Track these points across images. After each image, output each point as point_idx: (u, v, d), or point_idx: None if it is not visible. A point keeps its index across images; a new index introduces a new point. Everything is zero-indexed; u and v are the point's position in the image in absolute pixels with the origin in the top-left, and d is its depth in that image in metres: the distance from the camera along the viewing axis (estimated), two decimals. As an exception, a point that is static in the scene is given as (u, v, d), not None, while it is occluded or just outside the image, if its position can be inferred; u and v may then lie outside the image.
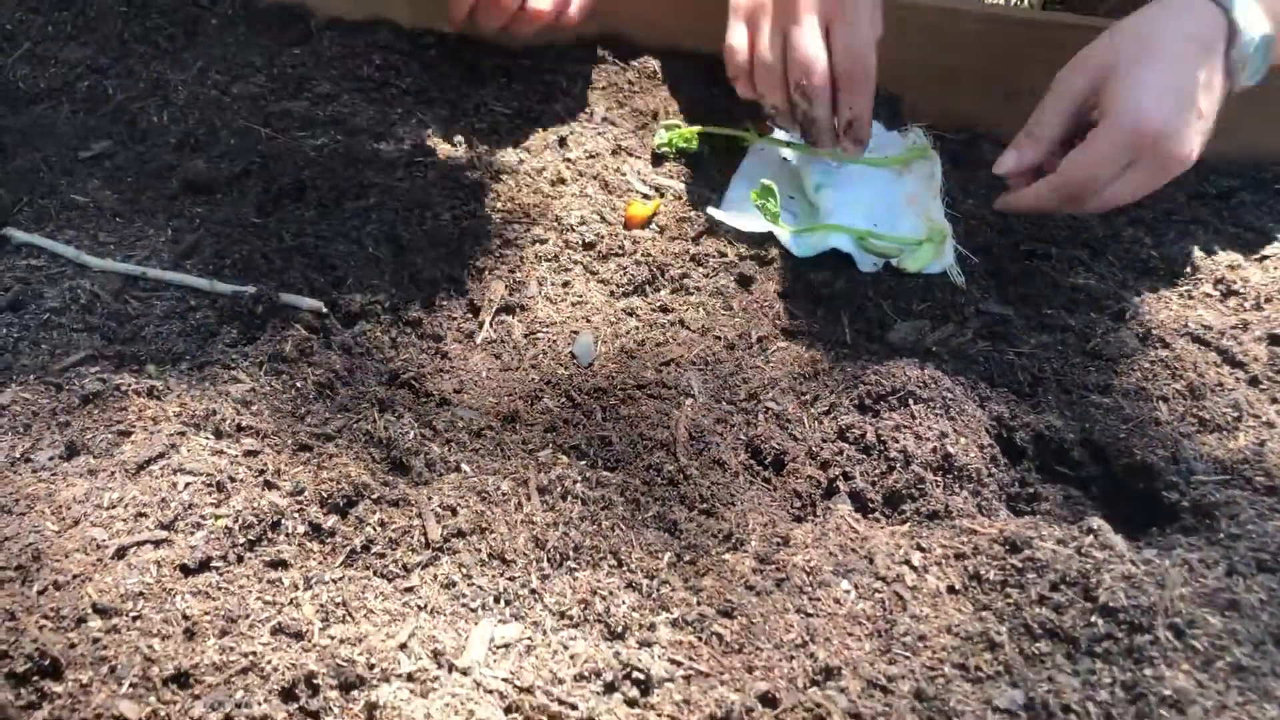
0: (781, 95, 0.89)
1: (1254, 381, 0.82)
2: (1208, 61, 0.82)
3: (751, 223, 0.91)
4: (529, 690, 0.54)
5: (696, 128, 0.99)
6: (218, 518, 0.60)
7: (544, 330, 0.81)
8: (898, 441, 0.71)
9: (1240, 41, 0.82)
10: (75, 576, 0.56)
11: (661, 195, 0.95)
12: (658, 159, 0.98)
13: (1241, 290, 0.89)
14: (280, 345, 0.74)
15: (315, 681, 0.53)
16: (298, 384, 0.72)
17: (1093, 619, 0.60)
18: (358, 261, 0.82)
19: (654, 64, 1.08)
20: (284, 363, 0.73)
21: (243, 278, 0.80)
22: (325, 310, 0.78)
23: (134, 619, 0.54)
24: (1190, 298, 0.89)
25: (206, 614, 0.55)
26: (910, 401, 0.73)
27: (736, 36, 0.92)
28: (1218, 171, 1.04)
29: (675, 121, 1.01)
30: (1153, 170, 0.81)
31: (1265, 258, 0.93)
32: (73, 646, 0.53)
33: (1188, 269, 0.91)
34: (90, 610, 0.55)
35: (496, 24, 0.98)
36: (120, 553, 0.57)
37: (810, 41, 0.85)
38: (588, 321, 0.82)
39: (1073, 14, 1.14)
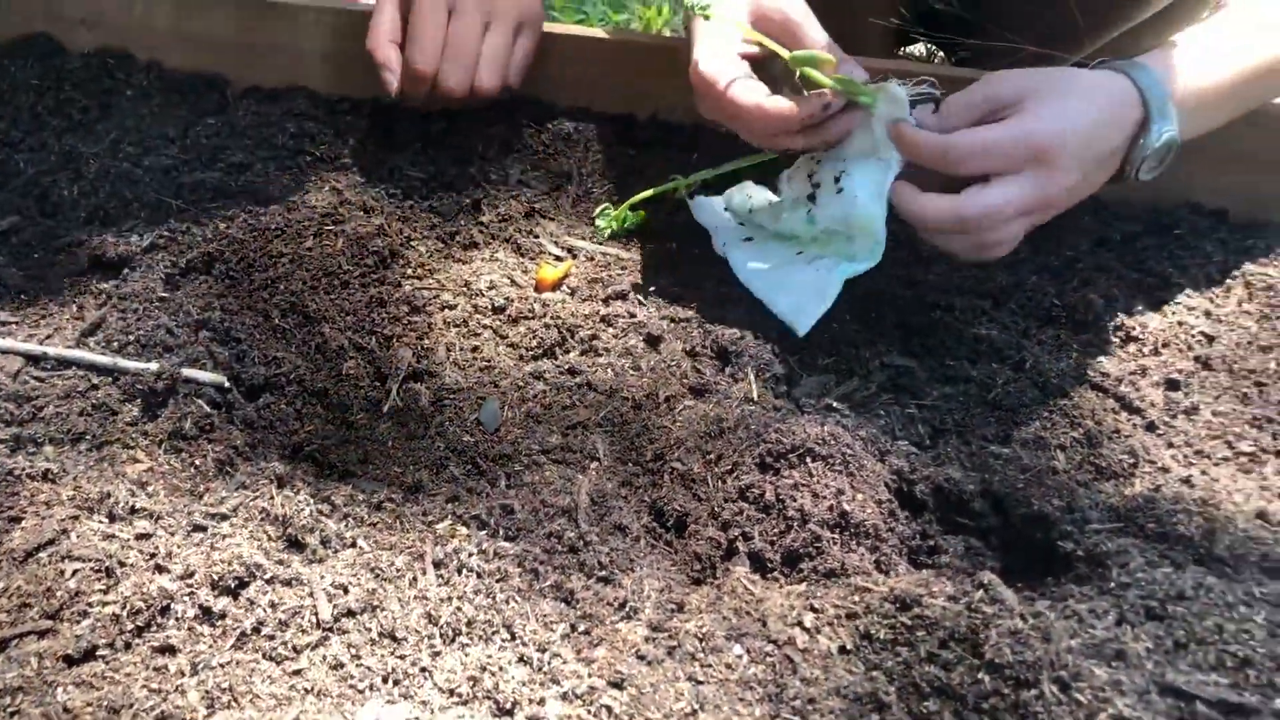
0: None
1: (1150, 427, 0.84)
2: (1118, 130, 0.86)
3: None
4: (416, 770, 0.54)
5: (629, 202, 0.98)
6: (105, 605, 0.59)
7: (451, 397, 0.81)
8: (795, 500, 0.71)
9: (1150, 133, 0.85)
10: (-44, 671, 0.56)
11: (574, 256, 0.96)
12: (583, 228, 1.00)
13: (1140, 336, 0.91)
14: (181, 423, 0.74)
15: (198, 770, 0.53)
16: (197, 462, 0.72)
17: (980, 675, 0.60)
18: (263, 334, 0.83)
19: (568, 125, 1.09)
20: (184, 440, 0.73)
21: (147, 354, 0.80)
22: (228, 385, 0.78)
23: (11, 715, 0.54)
24: (1091, 345, 0.91)
25: (89, 705, 0.55)
26: (809, 459, 0.74)
27: None
28: (1121, 217, 1.07)
29: (606, 206, 1.00)
30: (1035, 183, 0.82)
31: (1164, 302, 0.96)
32: (-50, 744, 0.53)
33: (1089, 316, 0.93)
34: (-31, 706, 0.54)
35: (417, 101, 1.01)
36: (1, 646, 0.56)
37: None
38: (495, 386, 0.83)
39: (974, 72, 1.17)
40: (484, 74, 1.00)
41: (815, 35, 0.90)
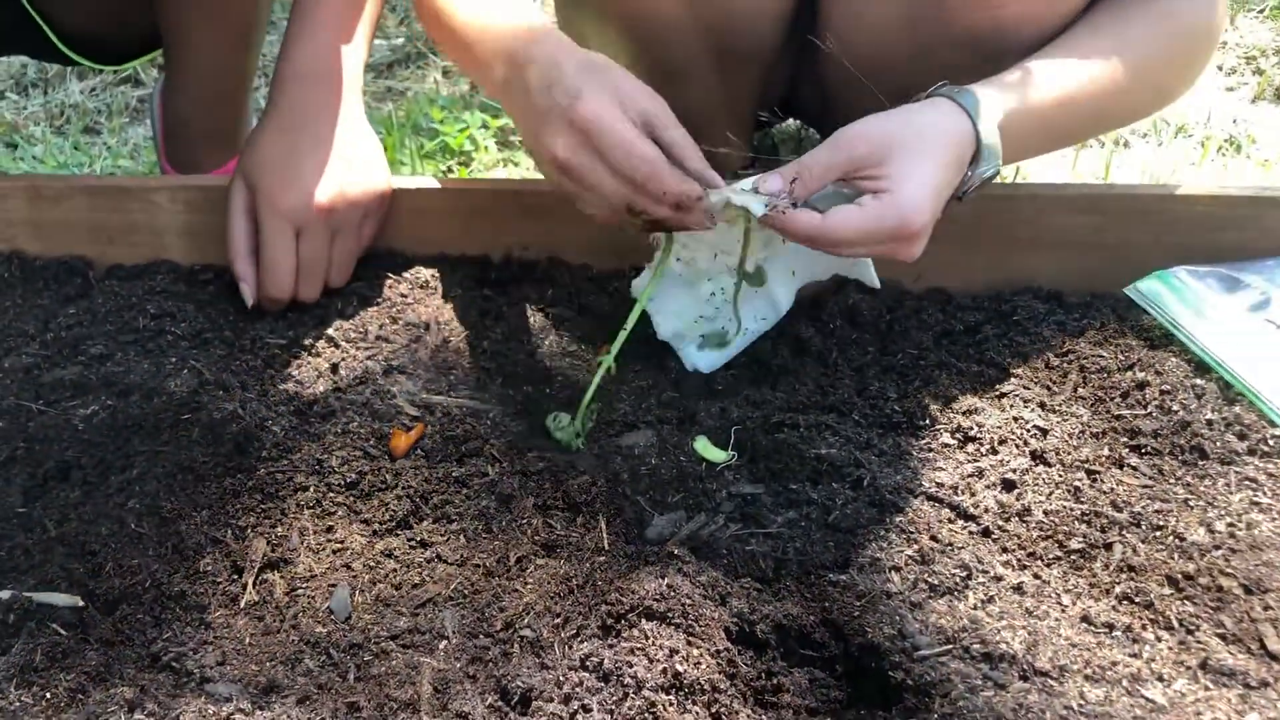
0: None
1: (985, 533, 0.87)
2: (959, 172, 0.92)
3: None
4: None
5: (581, 411, 0.96)
6: None
7: (304, 586, 0.84)
8: (631, 666, 0.74)
9: (980, 167, 0.92)
10: None
11: (431, 413, 0.99)
12: (431, 378, 1.02)
13: (978, 435, 0.95)
14: (31, 655, 0.75)
15: None
16: (48, 694, 0.73)
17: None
18: (119, 542, 0.85)
19: (425, 273, 1.12)
20: (35, 673, 0.75)
21: (1, 579, 0.82)
22: (83, 604, 0.80)
23: None
24: (929, 451, 0.95)
25: None
26: (645, 619, 0.77)
27: None
28: (964, 307, 1.11)
29: (557, 415, 0.97)
30: (893, 253, 0.90)
31: (1003, 395, 0.99)
32: None
33: (927, 420, 0.97)
34: None
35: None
36: None
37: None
38: (348, 569, 0.85)
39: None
40: (335, 278, 1.09)
41: (674, 134, 0.89)
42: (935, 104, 0.93)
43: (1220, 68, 2.02)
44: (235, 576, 0.85)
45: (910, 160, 0.88)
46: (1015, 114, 0.94)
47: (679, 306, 1.04)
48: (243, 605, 0.83)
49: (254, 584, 0.84)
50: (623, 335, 0.96)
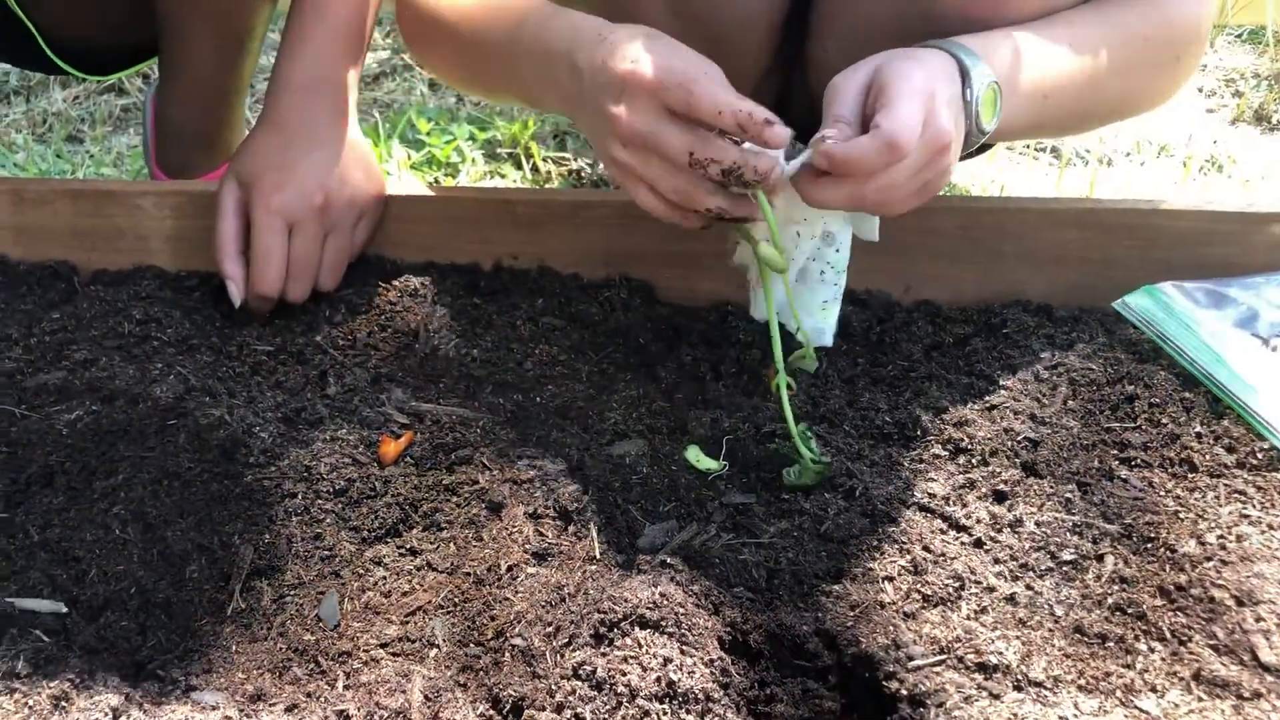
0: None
1: (978, 544, 0.87)
2: (948, 81, 0.91)
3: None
4: None
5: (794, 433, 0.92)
6: None
7: (291, 593, 0.83)
8: (624, 675, 0.73)
9: (972, 82, 0.91)
10: None
11: (421, 421, 0.98)
12: (422, 385, 1.02)
13: (969, 447, 0.95)
14: (14, 662, 0.74)
15: None
16: (30, 702, 0.72)
17: None
18: (104, 548, 0.83)
19: (415, 281, 1.12)
20: (17, 680, 0.73)
21: (-17, 585, 0.80)
22: (66, 610, 0.79)
23: None
24: (920, 462, 0.94)
25: None
26: (638, 627, 0.76)
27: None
28: (954, 320, 1.11)
29: (790, 471, 0.92)
30: (931, 153, 0.87)
31: (993, 407, 0.99)
32: None
33: (918, 432, 0.97)
34: None
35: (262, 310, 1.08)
36: None
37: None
38: (336, 577, 0.84)
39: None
40: (325, 280, 1.08)
41: (725, 94, 0.87)
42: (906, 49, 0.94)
43: (1201, 89, 2.05)
44: (222, 584, 0.84)
45: (893, 60, 0.88)
46: (990, 47, 0.94)
47: (802, 302, 1.02)
48: (229, 613, 0.82)
49: (241, 591, 0.83)
50: (778, 353, 0.92)
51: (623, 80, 0.87)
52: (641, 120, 0.87)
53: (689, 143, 0.86)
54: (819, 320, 1.04)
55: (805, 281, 1.02)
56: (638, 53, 0.87)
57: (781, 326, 0.93)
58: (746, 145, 0.87)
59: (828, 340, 1.05)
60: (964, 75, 0.92)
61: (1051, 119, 1.04)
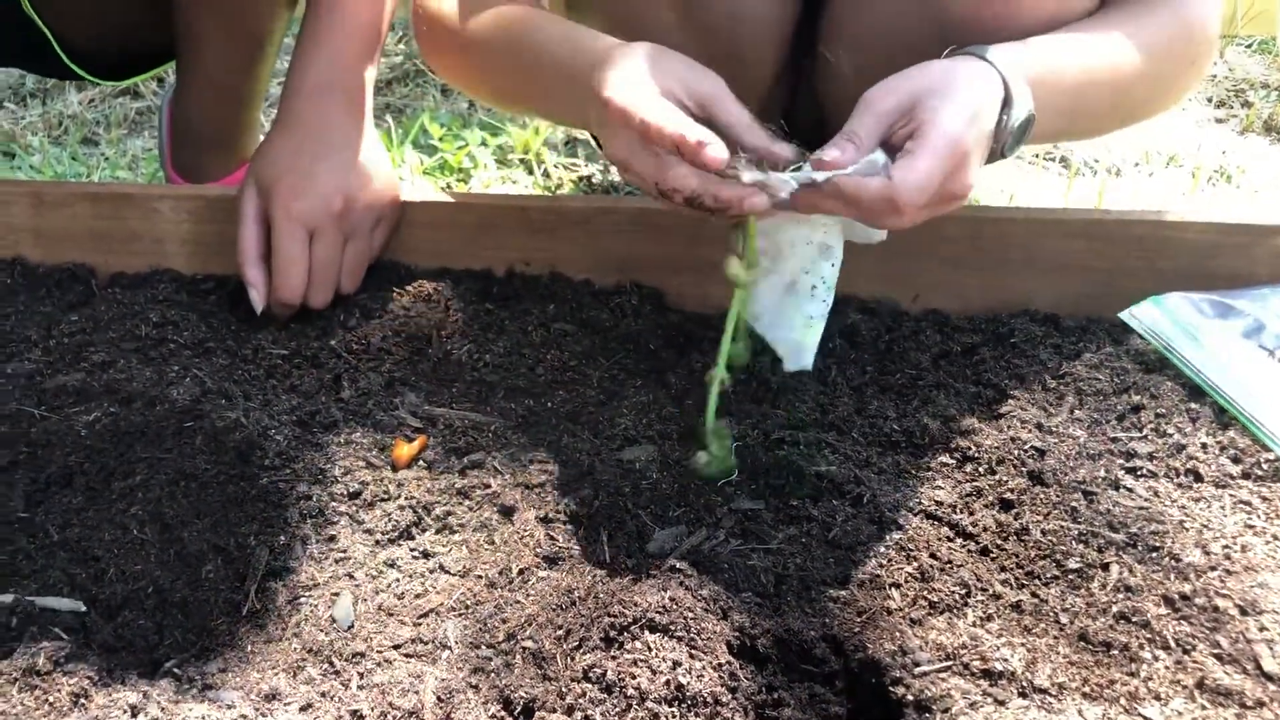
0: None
1: (984, 551, 0.88)
2: (991, 114, 0.91)
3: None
4: None
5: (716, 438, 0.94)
6: None
7: (306, 594, 0.84)
8: (634, 678, 0.74)
9: (1012, 110, 0.91)
10: None
11: (434, 425, 0.99)
12: (434, 391, 1.03)
13: (976, 455, 0.96)
14: (34, 659, 0.75)
15: None
16: (51, 698, 0.73)
17: None
18: (122, 548, 0.85)
19: (428, 286, 1.13)
20: (37, 676, 0.75)
21: (4, 583, 0.81)
22: (85, 609, 0.80)
23: None
24: (928, 470, 0.95)
25: None
26: (648, 631, 0.77)
27: None
28: (961, 329, 1.12)
29: (699, 456, 0.94)
30: (952, 188, 0.88)
31: (1000, 416, 1.00)
32: None
33: (925, 440, 0.98)
34: None
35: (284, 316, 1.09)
36: None
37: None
38: (350, 578, 0.85)
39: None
40: (345, 284, 1.10)
41: (732, 112, 0.89)
42: (951, 58, 0.93)
43: (1210, 99, 2.05)
44: (238, 584, 0.85)
45: (938, 95, 0.87)
46: (1037, 69, 0.94)
47: (786, 316, 1.03)
48: (245, 613, 0.83)
49: (256, 592, 0.84)
50: (725, 348, 0.93)
51: (602, 108, 0.89)
52: (619, 149, 0.89)
53: (654, 173, 0.88)
54: (800, 336, 1.04)
55: (794, 294, 1.02)
56: (617, 81, 0.88)
57: (761, 339, 0.94)
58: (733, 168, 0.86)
59: (807, 362, 1.05)
60: (1006, 102, 0.92)
61: (1079, 128, 1.06)
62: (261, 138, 1.15)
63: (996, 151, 0.94)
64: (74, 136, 1.92)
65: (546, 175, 1.80)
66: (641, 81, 0.87)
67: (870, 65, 1.11)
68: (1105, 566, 0.86)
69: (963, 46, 0.95)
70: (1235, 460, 0.95)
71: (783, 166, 0.88)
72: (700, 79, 0.90)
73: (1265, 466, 0.94)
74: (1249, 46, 2.20)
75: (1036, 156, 1.86)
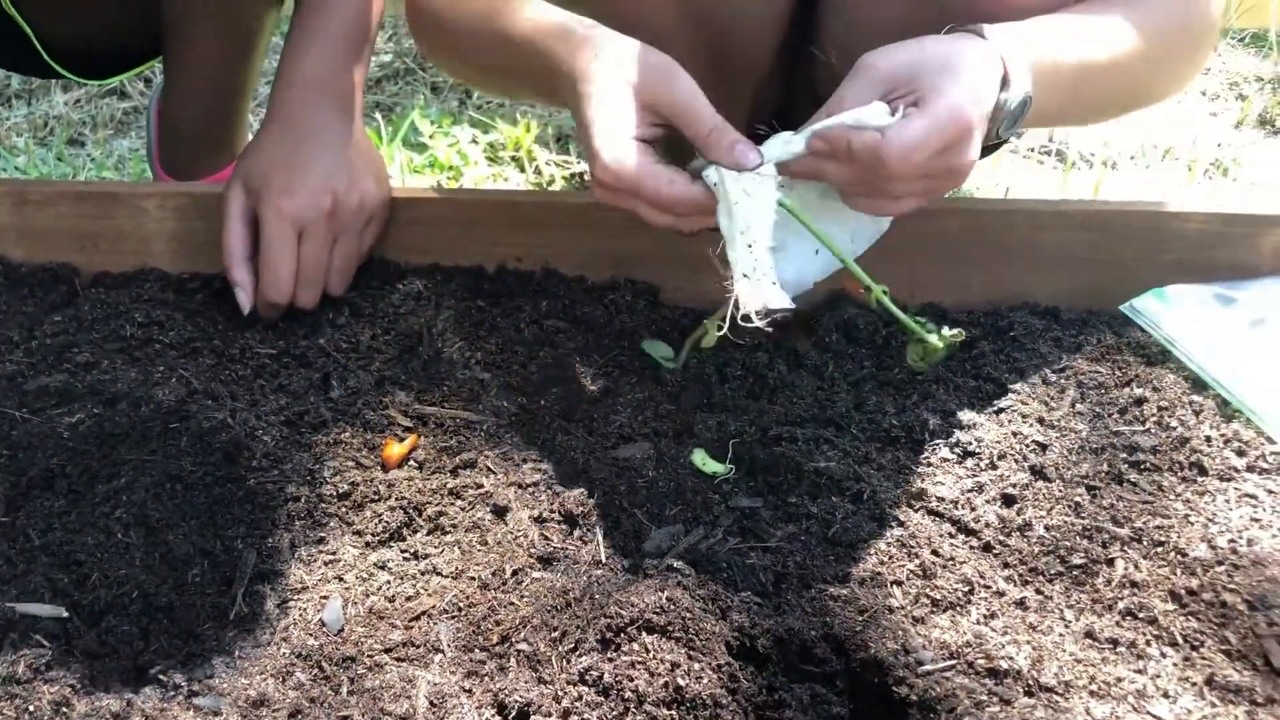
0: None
1: (987, 548, 0.86)
2: (991, 84, 0.89)
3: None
4: None
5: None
6: None
7: (295, 598, 0.82)
8: (632, 680, 0.73)
9: (1010, 90, 0.90)
10: None
11: (424, 424, 0.97)
12: (423, 391, 1.01)
13: (976, 450, 0.94)
14: (14, 667, 0.73)
15: None
16: (31, 707, 0.71)
17: None
18: (106, 552, 0.83)
19: (418, 284, 1.11)
20: (17, 685, 0.73)
21: (-16, 589, 0.80)
22: (67, 615, 0.78)
23: None
24: (928, 465, 0.94)
25: None
26: (646, 632, 0.75)
27: None
28: (960, 323, 1.10)
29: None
30: (952, 162, 0.86)
31: (1000, 410, 0.99)
32: None
33: (925, 435, 0.96)
34: None
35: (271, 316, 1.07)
36: None
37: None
38: (340, 581, 0.83)
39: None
40: (334, 284, 1.07)
41: (704, 112, 0.88)
42: (951, 34, 0.92)
43: (1204, 93, 2.04)
44: (225, 588, 0.83)
45: (942, 67, 0.86)
46: (1037, 50, 0.93)
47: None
48: (232, 617, 0.81)
49: (244, 595, 0.82)
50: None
51: (591, 159, 0.88)
52: (618, 202, 0.90)
53: (629, 207, 0.89)
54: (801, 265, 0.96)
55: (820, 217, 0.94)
56: (602, 129, 0.87)
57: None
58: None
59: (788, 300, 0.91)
60: (1004, 82, 0.90)
61: (1079, 111, 1.05)
62: (250, 136, 1.13)
63: (991, 133, 0.92)
64: (60, 137, 1.89)
65: (538, 172, 1.78)
66: (624, 127, 0.87)
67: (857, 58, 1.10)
68: (1110, 562, 0.84)
69: (961, 25, 0.93)
70: (1240, 453, 0.93)
71: (750, 168, 0.87)
72: (670, 87, 0.88)
73: (1270, 459, 0.92)
74: (1242, 40, 2.19)
75: (1032, 150, 1.84)
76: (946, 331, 0.93)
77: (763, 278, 0.87)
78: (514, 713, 0.74)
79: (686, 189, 0.87)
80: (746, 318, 0.84)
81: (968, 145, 0.86)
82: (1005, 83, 0.90)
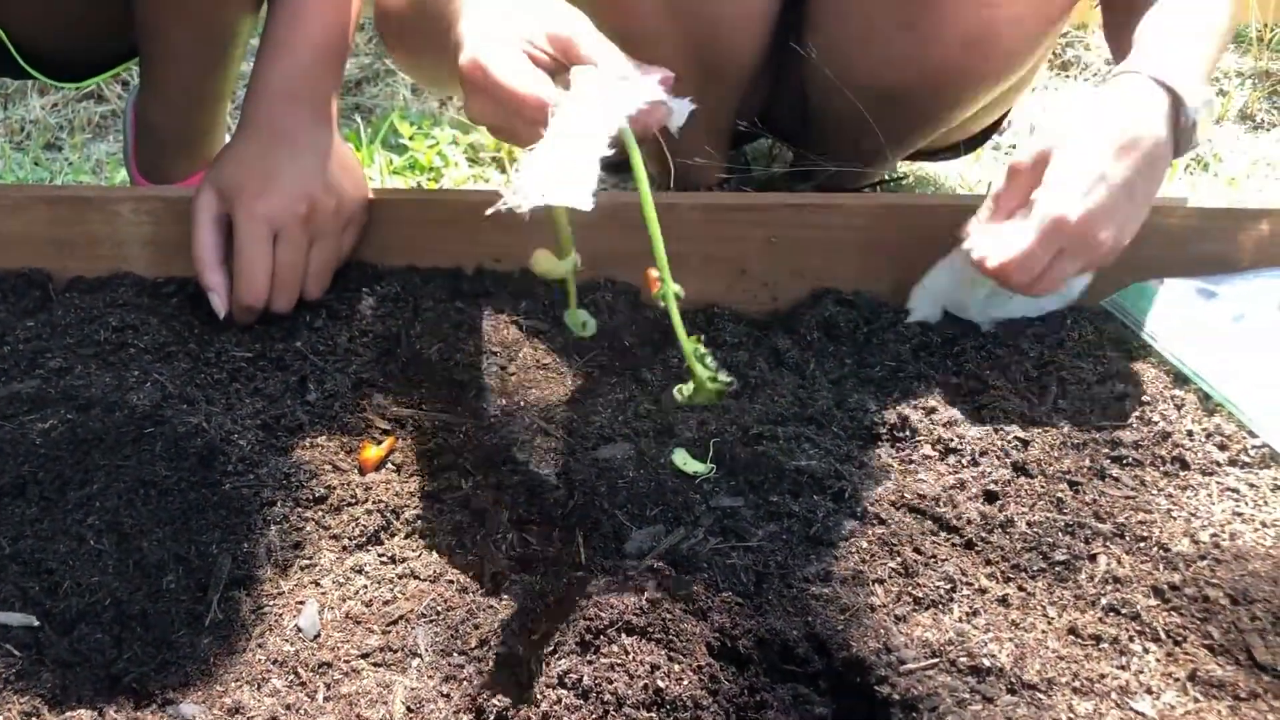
0: None
1: (969, 545, 0.86)
2: (1144, 145, 0.93)
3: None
4: None
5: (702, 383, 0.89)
6: None
7: (270, 603, 0.81)
8: (611, 682, 0.72)
9: (1186, 110, 0.93)
10: None
11: (402, 426, 0.97)
12: (401, 390, 1.00)
13: (958, 447, 0.94)
14: (-17, 678, 0.72)
15: None
16: (2, 717, 0.70)
17: None
18: (78, 560, 0.81)
19: (396, 285, 1.10)
20: (-13, 696, 0.72)
21: (-47, 599, 0.78)
22: (38, 623, 0.77)
23: None
24: (910, 462, 0.93)
25: None
26: (625, 634, 0.75)
27: None
28: (942, 320, 1.10)
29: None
30: (1081, 257, 0.94)
31: (982, 406, 0.98)
32: None
33: (907, 432, 0.96)
34: None
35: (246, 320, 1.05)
36: None
37: None
38: (316, 586, 0.82)
39: (791, 195, 1.21)
40: (311, 288, 1.06)
41: (598, 48, 0.83)
42: (1110, 84, 0.96)
43: (1185, 89, 2.04)
44: (199, 594, 0.82)
45: (1064, 154, 0.92)
46: (1193, 60, 0.97)
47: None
48: (207, 624, 0.80)
49: (219, 602, 0.81)
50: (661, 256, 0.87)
51: (458, 68, 0.84)
52: (478, 112, 0.86)
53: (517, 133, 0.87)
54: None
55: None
56: (475, 37, 0.83)
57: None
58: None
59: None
60: (1176, 104, 0.93)
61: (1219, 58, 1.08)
62: (228, 139, 1.12)
63: (1182, 142, 0.95)
64: (36, 142, 1.88)
65: (519, 173, 1.77)
66: (497, 33, 0.82)
67: (852, 54, 1.09)
68: (1093, 558, 0.84)
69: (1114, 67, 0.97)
70: (1221, 447, 0.93)
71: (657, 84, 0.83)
72: (558, 20, 0.84)
73: (1252, 453, 0.92)
74: (1223, 35, 2.19)
75: (1013, 147, 1.84)
76: (723, 377, 0.88)
77: (567, 176, 0.84)
78: (492, 717, 0.73)
79: (541, 84, 0.81)
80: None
81: (1090, 232, 0.93)
82: (1177, 109, 0.93)
